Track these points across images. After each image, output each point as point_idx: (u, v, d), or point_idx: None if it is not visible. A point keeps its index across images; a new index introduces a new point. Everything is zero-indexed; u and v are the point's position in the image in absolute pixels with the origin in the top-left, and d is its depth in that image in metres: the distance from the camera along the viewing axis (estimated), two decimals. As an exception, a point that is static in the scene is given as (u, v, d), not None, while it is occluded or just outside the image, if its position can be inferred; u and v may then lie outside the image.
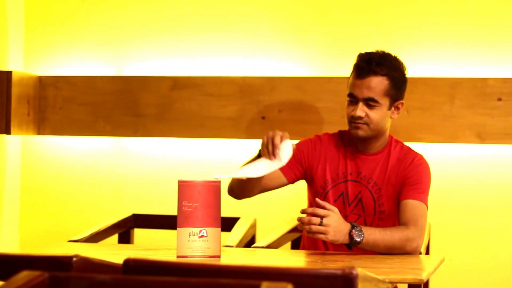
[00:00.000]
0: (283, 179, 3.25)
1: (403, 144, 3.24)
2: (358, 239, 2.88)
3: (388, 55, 3.19)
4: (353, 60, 3.25)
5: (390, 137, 3.23)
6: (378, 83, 3.09)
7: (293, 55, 4.33)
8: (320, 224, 2.82)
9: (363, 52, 3.23)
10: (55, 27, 4.58)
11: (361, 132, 3.14)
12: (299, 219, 2.86)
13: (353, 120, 3.14)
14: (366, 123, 3.12)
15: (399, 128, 4.02)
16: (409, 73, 4.13)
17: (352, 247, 2.92)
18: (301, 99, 4.27)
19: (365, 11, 4.27)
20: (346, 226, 2.89)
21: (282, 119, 4.28)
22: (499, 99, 4.09)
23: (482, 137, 4.10)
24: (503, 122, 4.07)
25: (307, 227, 2.84)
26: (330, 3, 4.30)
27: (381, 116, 3.12)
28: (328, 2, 4.31)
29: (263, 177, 3.16)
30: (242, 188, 3.23)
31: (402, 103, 3.18)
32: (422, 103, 4.14)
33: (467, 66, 4.16)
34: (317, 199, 2.92)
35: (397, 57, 3.22)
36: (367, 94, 3.09)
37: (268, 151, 2.94)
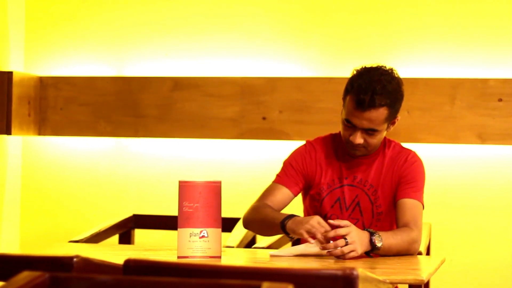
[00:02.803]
0: (291, 195, 3.22)
1: (396, 143, 3.22)
2: (379, 245, 2.86)
3: (387, 77, 3.03)
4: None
5: (385, 138, 3.20)
6: (378, 115, 3.00)
7: (293, 56, 4.33)
8: (346, 244, 2.80)
9: (359, 69, 3.07)
10: (55, 28, 4.58)
11: (358, 153, 3.12)
12: (324, 247, 2.82)
13: (350, 143, 3.09)
14: (364, 147, 3.10)
15: (400, 129, 4.02)
16: (410, 73, 4.15)
17: (369, 254, 2.90)
18: (301, 99, 4.27)
19: (366, 12, 4.27)
20: (366, 235, 2.86)
21: (282, 120, 4.28)
22: (500, 100, 4.09)
23: (482, 137, 4.10)
24: (504, 122, 4.08)
25: (338, 251, 2.79)
26: (331, 4, 4.30)
27: (379, 139, 3.10)
28: (328, 3, 4.31)
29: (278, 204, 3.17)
30: (263, 230, 3.20)
31: (398, 118, 3.14)
32: (423, 104, 4.14)
33: (468, 66, 4.16)
34: (330, 221, 2.86)
35: (393, 73, 3.07)
36: (367, 125, 3.02)
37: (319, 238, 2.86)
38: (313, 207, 3.21)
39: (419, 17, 4.22)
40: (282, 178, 3.22)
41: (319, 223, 2.85)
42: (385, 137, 3.19)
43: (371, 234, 2.86)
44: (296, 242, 3.79)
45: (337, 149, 3.20)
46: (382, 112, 3.01)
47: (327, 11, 4.31)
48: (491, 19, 4.16)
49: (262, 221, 3.09)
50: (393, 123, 3.12)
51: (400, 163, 3.14)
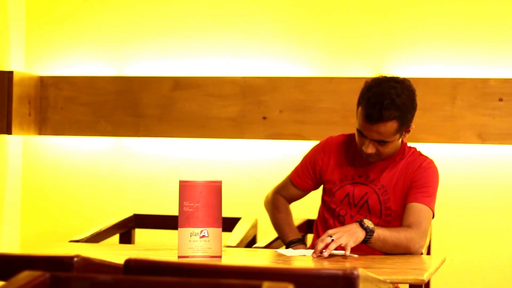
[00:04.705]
0: (303, 193, 3.40)
1: (415, 150, 3.23)
2: (371, 226, 2.90)
3: (397, 90, 3.03)
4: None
5: (404, 143, 3.21)
6: (387, 129, 3.03)
7: (294, 56, 4.33)
8: (332, 240, 2.84)
9: (371, 81, 3.08)
10: (56, 28, 4.58)
11: (372, 160, 3.16)
12: (317, 252, 2.85)
13: (363, 151, 3.13)
14: (377, 155, 3.13)
15: (400, 129, 4.02)
16: (410, 73, 4.15)
17: (368, 241, 2.92)
18: (302, 99, 4.27)
19: (366, 12, 4.27)
20: (354, 224, 2.93)
21: (283, 120, 4.28)
22: (500, 100, 4.09)
23: (483, 137, 4.09)
24: (504, 122, 4.07)
25: (327, 251, 2.82)
26: (331, 4, 4.30)
27: (392, 148, 3.13)
28: (329, 3, 4.31)
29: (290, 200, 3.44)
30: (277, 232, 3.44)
31: (413, 127, 3.14)
32: (423, 104, 4.13)
33: (468, 66, 4.16)
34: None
35: (405, 84, 3.08)
36: (377, 137, 3.06)
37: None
38: (325, 201, 3.29)
39: (419, 17, 4.22)
40: (295, 176, 3.37)
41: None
42: (405, 143, 3.21)
43: (360, 221, 2.92)
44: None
45: (356, 147, 3.23)
46: (391, 125, 3.03)
47: (327, 11, 4.31)
48: (491, 19, 4.16)
49: (275, 225, 3.40)
50: (408, 131, 3.13)
51: (414, 168, 3.16)
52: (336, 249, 2.84)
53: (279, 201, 3.38)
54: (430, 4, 4.22)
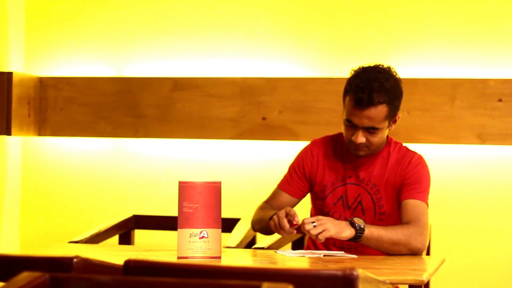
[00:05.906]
0: (294, 200, 3.31)
1: (402, 145, 3.23)
2: (362, 225, 2.90)
3: (384, 75, 3.07)
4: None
5: (389, 138, 3.22)
6: (378, 113, 3.04)
7: (293, 56, 4.33)
8: (315, 227, 2.88)
9: (357, 69, 3.12)
10: (55, 28, 4.58)
11: (361, 153, 3.15)
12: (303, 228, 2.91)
13: (353, 143, 3.11)
14: (366, 146, 3.12)
15: (400, 129, 4.02)
16: (410, 74, 4.15)
17: (358, 239, 2.92)
18: (301, 100, 4.27)
19: (365, 12, 4.27)
20: (345, 222, 2.94)
21: (282, 120, 4.28)
22: (500, 100, 4.09)
23: (482, 138, 4.10)
24: (504, 123, 4.08)
25: (309, 233, 2.89)
26: (331, 4, 4.30)
27: (381, 138, 3.13)
28: (328, 3, 4.31)
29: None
30: (266, 231, 3.27)
31: (399, 116, 3.16)
32: (423, 104, 4.15)
33: (468, 67, 4.16)
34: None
35: (391, 71, 3.11)
36: (367, 124, 3.05)
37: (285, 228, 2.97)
38: (316, 205, 3.25)
39: (419, 17, 4.22)
40: (284, 184, 3.31)
41: (278, 216, 2.96)
42: (391, 139, 3.21)
43: (350, 219, 2.94)
44: (296, 244, 3.80)
45: (342, 148, 3.22)
46: (381, 110, 3.04)
47: (326, 11, 4.31)
48: (491, 19, 4.16)
49: (260, 220, 3.21)
50: (394, 121, 3.14)
51: (404, 165, 3.16)
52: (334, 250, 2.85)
53: (266, 207, 3.28)
54: (429, 5, 4.22)
